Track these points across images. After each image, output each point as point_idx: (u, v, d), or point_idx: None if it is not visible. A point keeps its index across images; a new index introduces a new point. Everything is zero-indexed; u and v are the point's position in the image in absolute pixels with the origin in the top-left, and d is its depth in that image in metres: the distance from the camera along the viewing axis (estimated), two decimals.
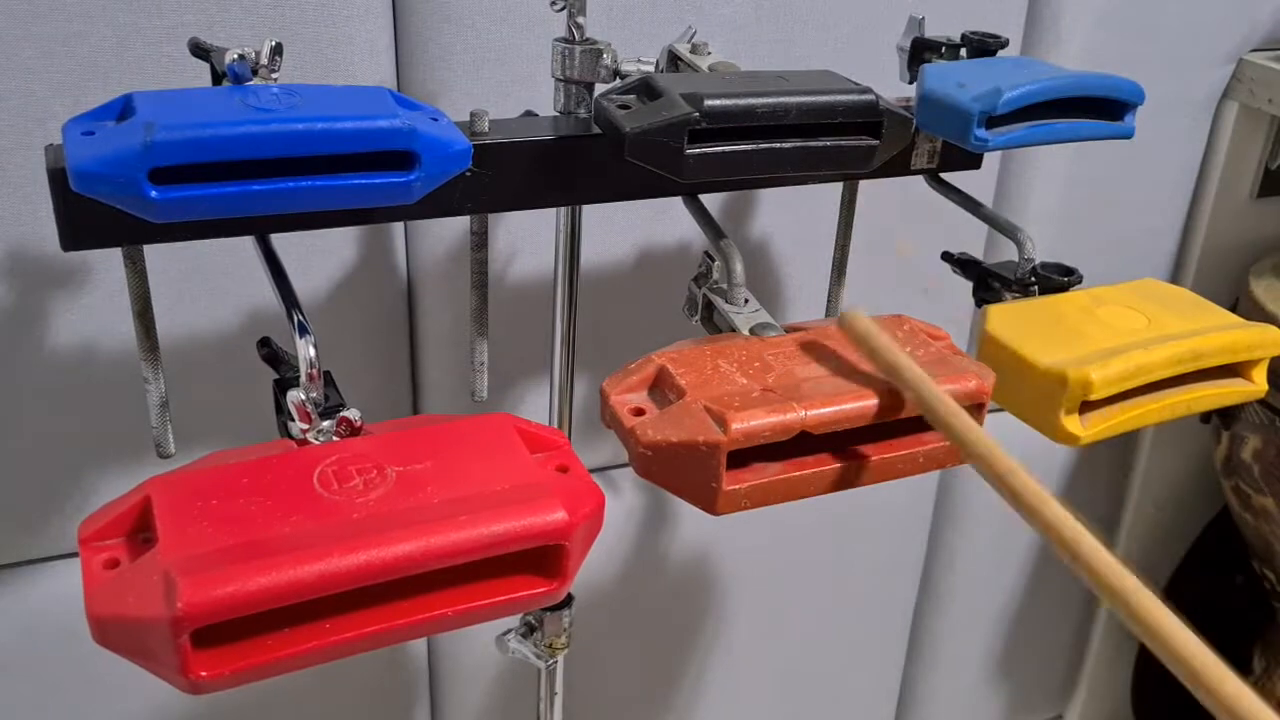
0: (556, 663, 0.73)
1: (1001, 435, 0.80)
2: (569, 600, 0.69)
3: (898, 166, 0.63)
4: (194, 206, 0.41)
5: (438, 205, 0.52)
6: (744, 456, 0.45)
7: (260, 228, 0.51)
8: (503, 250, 0.77)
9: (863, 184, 0.67)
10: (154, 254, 0.49)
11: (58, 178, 0.44)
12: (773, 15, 0.77)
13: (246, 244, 0.52)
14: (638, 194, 0.59)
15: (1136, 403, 0.56)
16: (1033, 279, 0.63)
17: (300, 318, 0.47)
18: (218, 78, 0.48)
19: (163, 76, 0.64)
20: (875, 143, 0.52)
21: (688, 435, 0.44)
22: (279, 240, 0.52)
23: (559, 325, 0.67)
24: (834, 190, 0.68)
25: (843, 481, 0.48)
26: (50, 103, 0.62)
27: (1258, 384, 0.59)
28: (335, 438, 0.46)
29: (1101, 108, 0.61)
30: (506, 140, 0.53)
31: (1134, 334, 0.57)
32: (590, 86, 0.57)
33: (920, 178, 0.68)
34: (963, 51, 0.63)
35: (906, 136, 0.54)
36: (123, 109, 0.43)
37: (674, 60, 0.62)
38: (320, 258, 0.73)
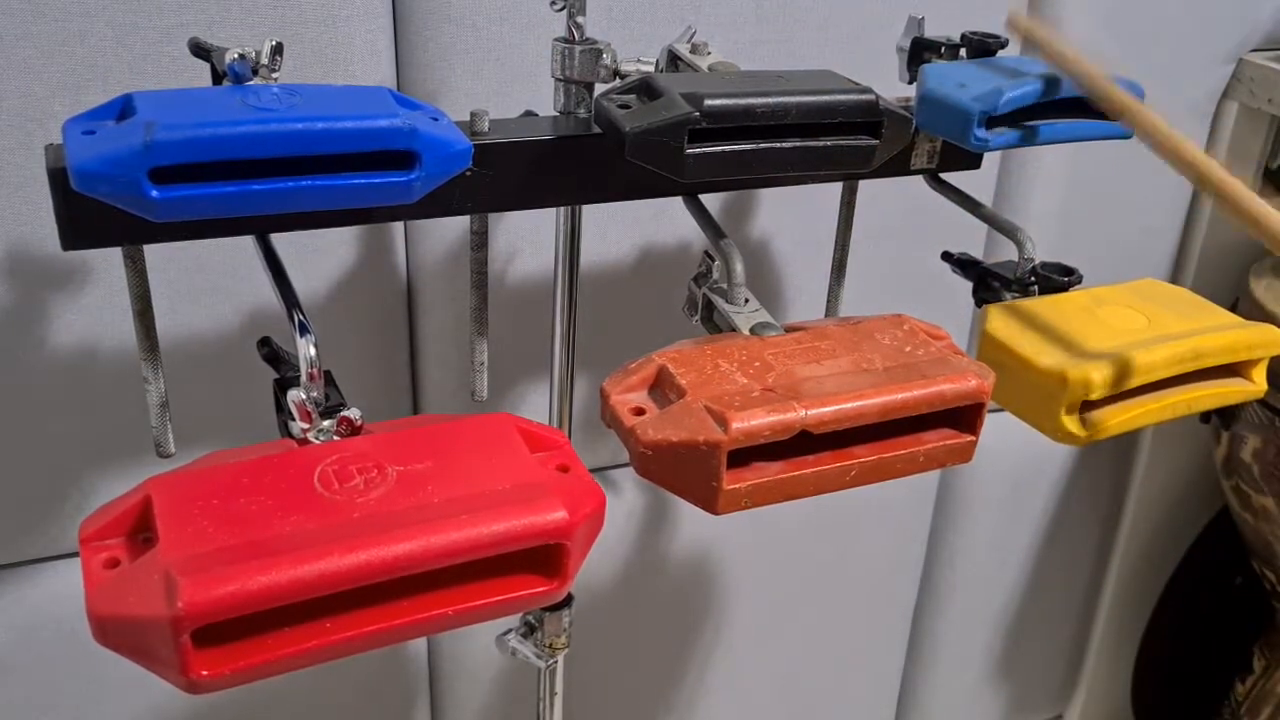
0: (556, 663, 0.73)
1: (1001, 435, 0.80)
2: (569, 600, 0.69)
3: (898, 166, 0.63)
4: (194, 206, 0.41)
5: (438, 205, 0.51)
6: (744, 456, 0.45)
7: (260, 227, 0.51)
8: (503, 250, 0.77)
9: (863, 184, 0.67)
10: (154, 254, 0.49)
11: (58, 177, 0.44)
12: (773, 15, 0.77)
13: (246, 244, 0.52)
14: (638, 194, 0.59)
15: (1136, 403, 0.56)
16: (1033, 279, 0.63)
17: (300, 317, 0.47)
18: (218, 77, 0.48)
19: (163, 76, 0.64)
20: (875, 143, 0.52)
21: (688, 435, 0.44)
22: (279, 240, 0.52)
23: (559, 325, 0.67)
24: (834, 190, 0.68)
25: (843, 481, 0.48)
26: (50, 103, 0.62)
27: (1258, 384, 0.59)
28: (336, 437, 0.46)
29: None
30: (506, 140, 0.53)
31: (1134, 334, 0.57)
32: (590, 86, 0.57)
33: (920, 178, 0.68)
34: (962, 51, 0.63)
35: (906, 136, 0.54)
36: (123, 109, 0.43)
37: (674, 60, 0.62)
38: (320, 258, 0.73)
